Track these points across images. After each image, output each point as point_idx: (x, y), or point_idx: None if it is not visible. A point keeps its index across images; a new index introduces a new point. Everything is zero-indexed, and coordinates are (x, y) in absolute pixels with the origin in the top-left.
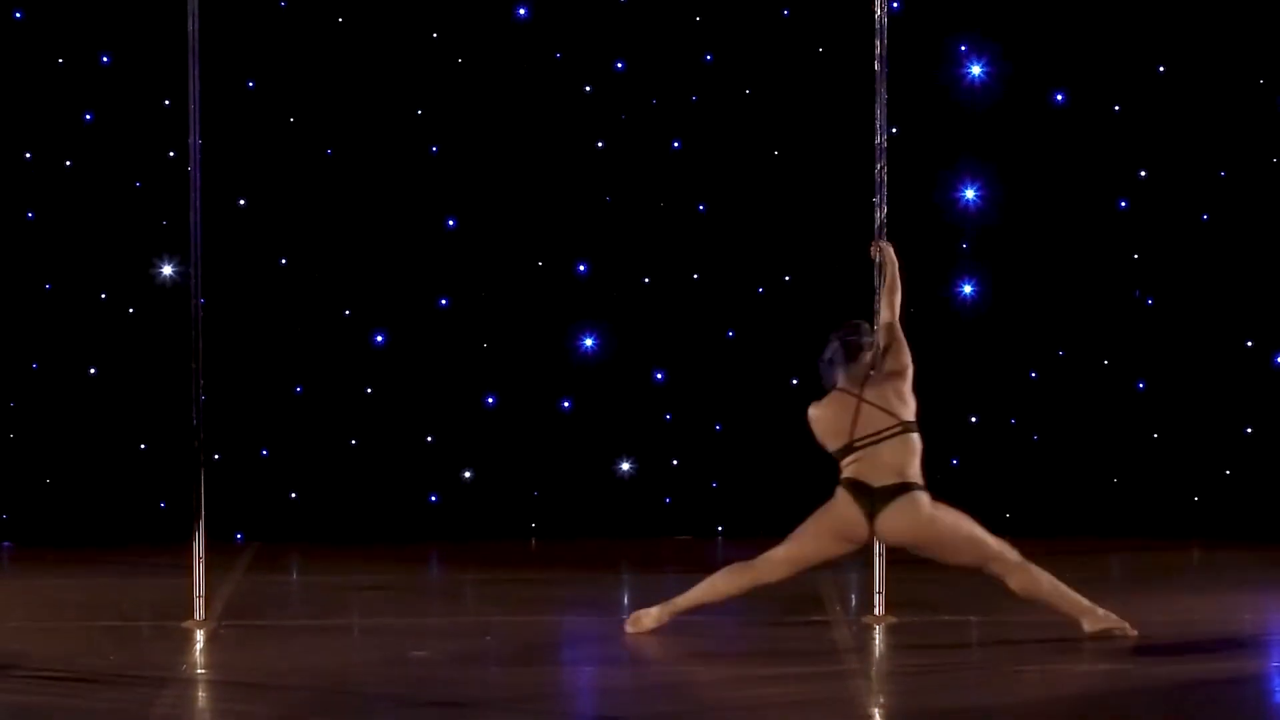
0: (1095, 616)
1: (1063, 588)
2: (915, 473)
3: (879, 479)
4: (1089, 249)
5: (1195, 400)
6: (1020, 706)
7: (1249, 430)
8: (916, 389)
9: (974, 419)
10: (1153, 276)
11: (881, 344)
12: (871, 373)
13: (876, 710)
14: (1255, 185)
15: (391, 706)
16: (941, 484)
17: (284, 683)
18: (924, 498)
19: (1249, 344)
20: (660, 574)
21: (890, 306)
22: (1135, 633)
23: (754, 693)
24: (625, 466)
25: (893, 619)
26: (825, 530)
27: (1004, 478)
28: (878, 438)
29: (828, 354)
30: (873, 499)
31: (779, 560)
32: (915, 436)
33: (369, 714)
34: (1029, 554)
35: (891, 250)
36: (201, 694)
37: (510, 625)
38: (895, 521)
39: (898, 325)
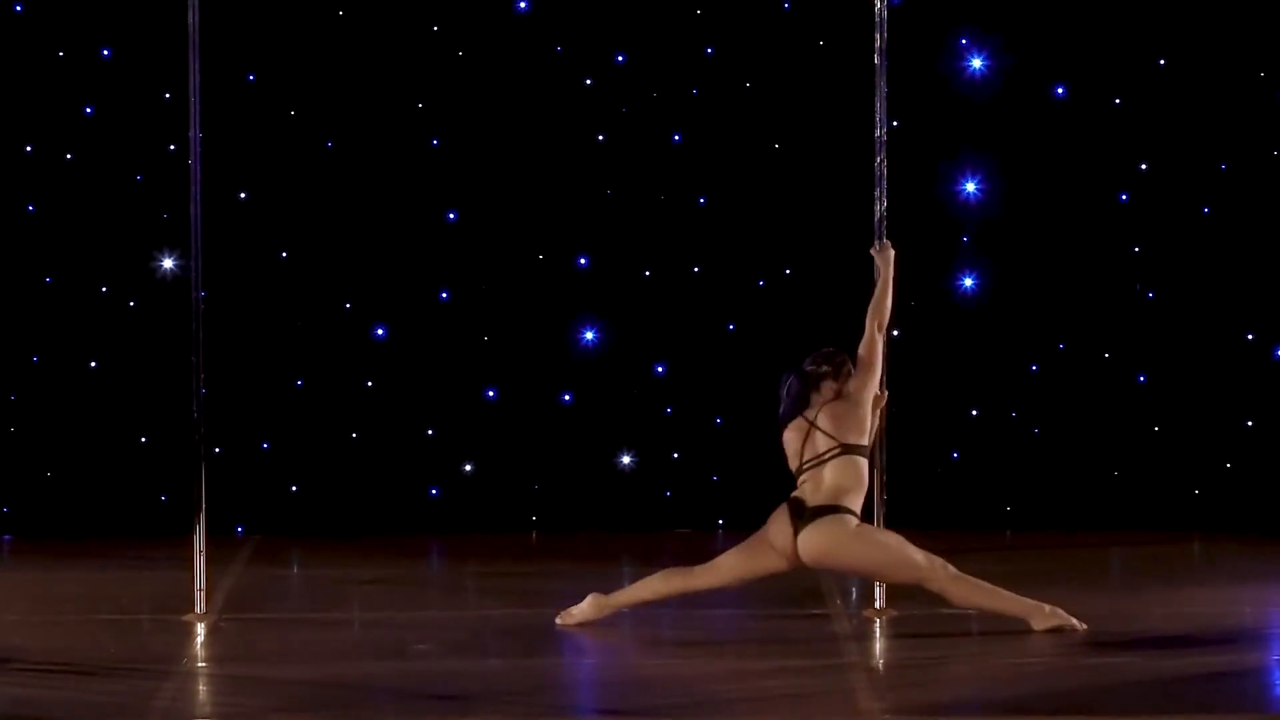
0: (1042, 614)
1: (1003, 592)
2: (853, 500)
3: (816, 499)
4: (1090, 242)
5: (1196, 394)
6: (1021, 699)
7: (1249, 424)
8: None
9: (974, 412)
10: (1153, 270)
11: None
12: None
13: (877, 703)
14: (1256, 179)
15: (392, 699)
16: (942, 477)
17: (284, 676)
18: (850, 520)
19: (1249, 337)
20: (660, 567)
21: (871, 321)
22: (1084, 627)
23: (754, 685)
24: (626, 460)
25: (893, 612)
26: (761, 544)
27: (1004, 471)
28: (820, 460)
29: (784, 387)
30: (802, 516)
31: (717, 569)
32: (859, 460)
33: (369, 707)
34: (1031, 546)
35: (891, 254)
36: (202, 687)
37: (510, 618)
38: (815, 539)
39: (876, 345)
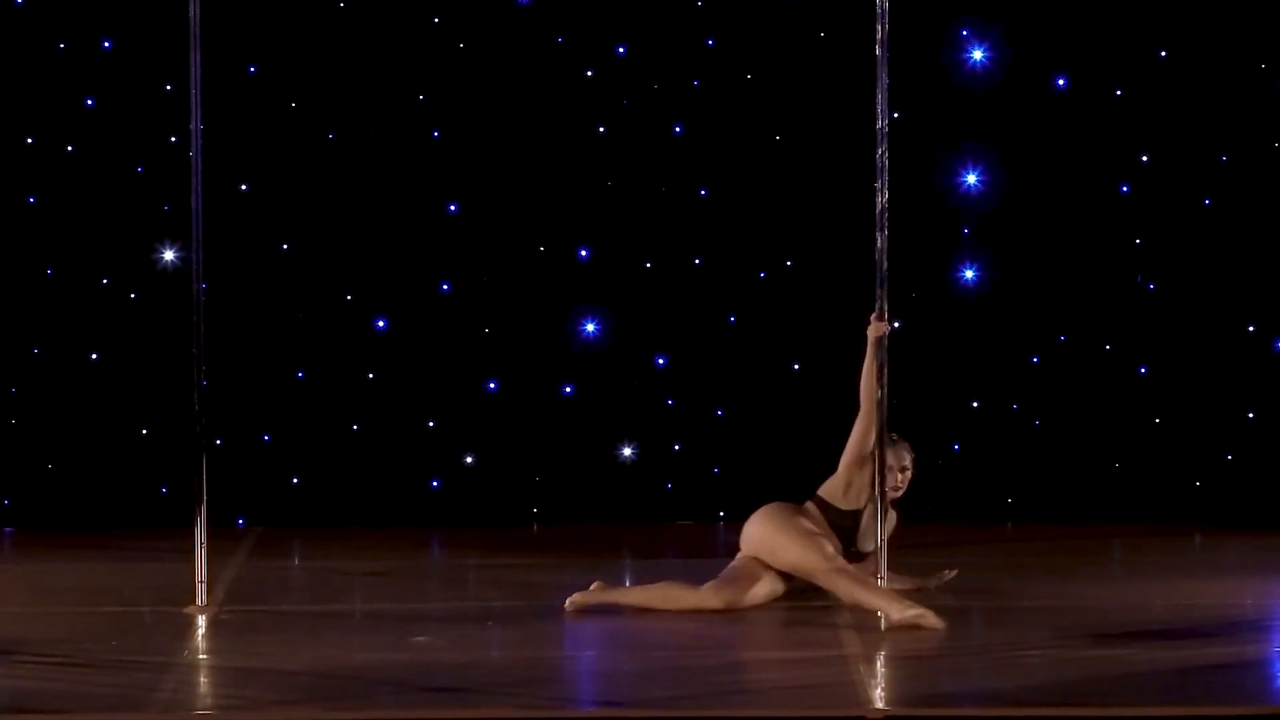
0: (901, 607)
1: (869, 583)
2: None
3: None
4: (1091, 234)
5: (1197, 386)
6: (1023, 690)
7: (1250, 415)
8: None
9: (975, 404)
10: (1154, 261)
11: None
12: None
13: (879, 695)
14: (1257, 170)
15: (393, 692)
16: (943, 469)
17: (285, 668)
18: (777, 503)
19: (1250, 329)
20: (662, 559)
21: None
22: (942, 625)
23: (756, 677)
24: (627, 451)
25: None
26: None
27: (1005, 463)
28: None
29: None
30: None
31: (715, 588)
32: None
33: (370, 699)
34: (1032, 538)
35: (877, 332)
36: (203, 679)
37: (512, 610)
38: (748, 523)
39: (860, 420)
